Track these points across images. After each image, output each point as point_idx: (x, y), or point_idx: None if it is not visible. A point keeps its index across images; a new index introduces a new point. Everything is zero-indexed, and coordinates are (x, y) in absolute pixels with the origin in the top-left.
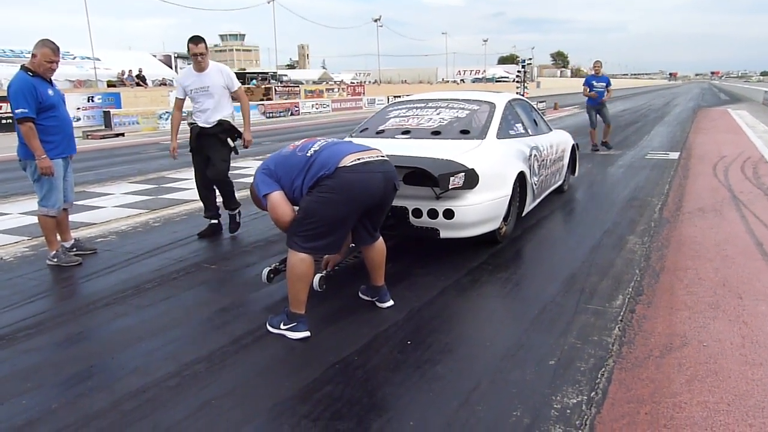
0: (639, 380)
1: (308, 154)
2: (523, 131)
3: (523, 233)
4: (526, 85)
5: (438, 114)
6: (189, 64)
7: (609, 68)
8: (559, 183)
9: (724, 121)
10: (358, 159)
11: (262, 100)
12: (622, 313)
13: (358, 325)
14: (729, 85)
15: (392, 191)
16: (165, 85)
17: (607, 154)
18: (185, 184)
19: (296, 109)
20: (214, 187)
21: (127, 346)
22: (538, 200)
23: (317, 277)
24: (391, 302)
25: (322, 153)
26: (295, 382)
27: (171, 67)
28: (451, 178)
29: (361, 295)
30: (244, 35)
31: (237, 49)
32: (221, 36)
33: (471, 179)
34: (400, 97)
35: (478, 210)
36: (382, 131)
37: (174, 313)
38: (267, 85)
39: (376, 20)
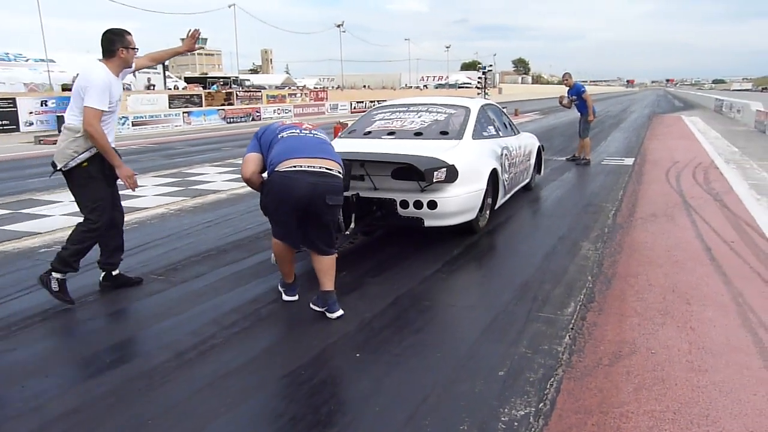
0: (587, 390)
1: (278, 137)
2: (494, 133)
3: (479, 240)
4: (487, 91)
5: (419, 117)
6: (150, 68)
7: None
8: (527, 181)
9: (677, 127)
10: (295, 166)
11: (223, 105)
12: (573, 321)
13: (310, 337)
14: (683, 92)
15: (322, 203)
16: (124, 89)
17: (563, 161)
18: (139, 192)
19: (257, 114)
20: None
21: (47, 369)
22: (509, 195)
23: None
24: (340, 312)
25: (280, 144)
26: (240, 398)
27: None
28: (435, 173)
29: (312, 305)
30: (206, 39)
31: (199, 54)
32: (182, 39)
33: (452, 174)
34: (362, 103)
35: (458, 201)
36: (369, 132)
37: (118, 328)
38: (228, 90)
39: (338, 26)
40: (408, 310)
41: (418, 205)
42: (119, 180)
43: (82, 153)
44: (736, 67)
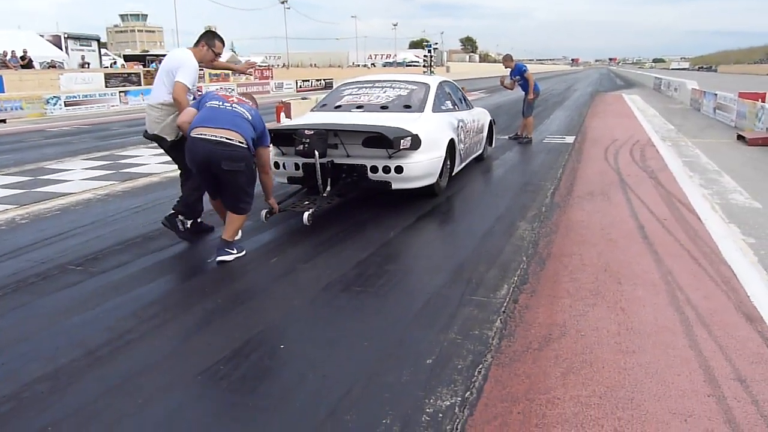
0: (515, 376)
1: (205, 105)
2: (451, 107)
3: (415, 222)
4: (433, 69)
5: (384, 92)
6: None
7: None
8: (480, 152)
9: (618, 105)
10: (201, 133)
11: None
12: (505, 304)
13: (232, 328)
14: (625, 71)
15: (218, 167)
16: (54, 67)
17: (506, 139)
18: (66, 176)
19: (199, 93)
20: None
21: None
22: (465, 163)
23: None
24: (222, 258)
25: (201, 112)
26: (152, 397)
27: (61, 49)
28: (402, 141)
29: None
30: (146, 15)
31: (139, 30)
32: (122, 16)
33: (416, 142)
34: (308, 81)
35: (421, 166)
36: (340, 106)
37: (25, 325)
38: None
39: (283, 2)
40: (338, 297)
41: (386, 170)
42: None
43: None
44: (675, 46)
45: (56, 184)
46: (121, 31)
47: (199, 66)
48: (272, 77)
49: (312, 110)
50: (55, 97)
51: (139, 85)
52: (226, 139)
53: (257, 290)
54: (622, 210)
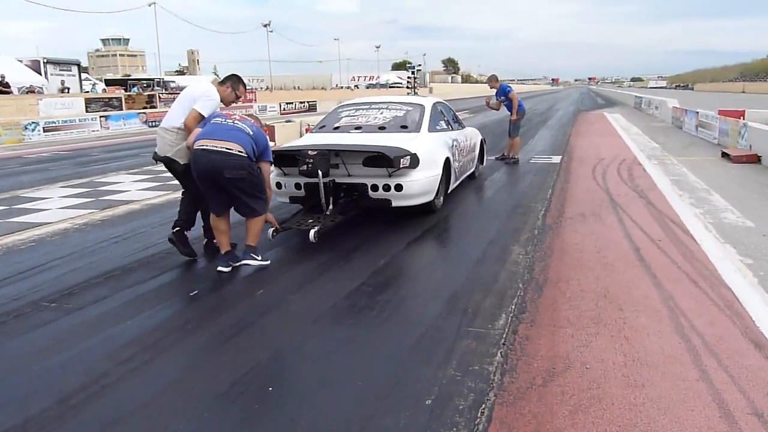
0: (521, 416)
1: (209, 121)
2: (446, 127)
3: (405, 248)
4: (416, 90)
5: (381, 113)
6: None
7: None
8: (472, 170)
9: (601, 124)
10: (203, 145)
11: (145, 107)
12: (504, 335)
13: (217, 370)
14: (604, 90)
15: (221, 176)
16: (33, 92)
17: (493, 160)
18: (42, 204)
19: None
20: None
21: None
22: (459, 181)
23: (311, 232)
24: (249, 261)
25: (205, 128)
26: None
27: (40, 74)
28: (401, 159)
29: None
30: (128, 39)
31: (121, 54)
32: (103, 40)
33: (414, 161)
34: (292, 104)
35: (420, 184)
36: (338, 127)
37: None
38: (150, 92)
39: (265, 25)
40: (329, 331)
41: (386, 188)
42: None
43: None
44: (652, 66)
45: (32, 214)
46: (103, 56)
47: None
48: (255, 100)
49: (312, 131)
50: (33, 122)
51: (121, 109)
52: (226, 149)
53: (243, 325)
54: (615, 231)
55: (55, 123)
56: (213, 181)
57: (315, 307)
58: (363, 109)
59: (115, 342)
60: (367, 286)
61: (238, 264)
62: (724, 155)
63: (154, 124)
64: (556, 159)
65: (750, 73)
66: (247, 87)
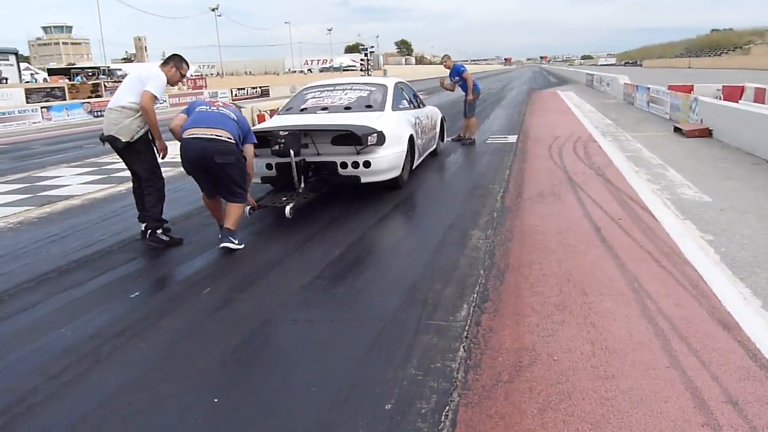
0: (487, 417)
1: (194, 110)
2: (408, 106)
3: (361, 237)
4: (370, 72)
5: (346, 94)
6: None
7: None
8: (434, 147)
9: (554, 102)
10: (193, 134)
11: (90, 97)
12: (467, 328)
13: (158, 379)
14: (556, 68)
15: (211, 161)
16: None
17: (449, 141)
18: None
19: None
20: None
21: None
22: (422, 158)
23: (287, 208)
24: (229, 245)
25: (191, 117)
26: None
27: None
28: (369, 137)
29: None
30: (71, 27)
31: (64, 42)
32: (44, 28)
33: (381, 138)
34: (244, 89)
35: (387, 160)
36: (305, 108)
37: None
38: (95, 81)
39: (213, 9)
40: (280, 332)
41: (355, 165)
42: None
43: (144, 127)
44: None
45: None
46: (45, 44)
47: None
48: (206, 86)
49: (278, 113)
50: None
51: (64, 99)
52: (215, 135)
53: (185, 330)
54: (575, 211)
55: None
56: (202, 168)
57: (263, 305)
58: (328, 91)
59: (46, 353)
60: (321, 279)
61: (221, 245)
62: (677, 130)
63: (99, 114)
64: (512, 138)
65: (695, 48)
66: (198, 74)
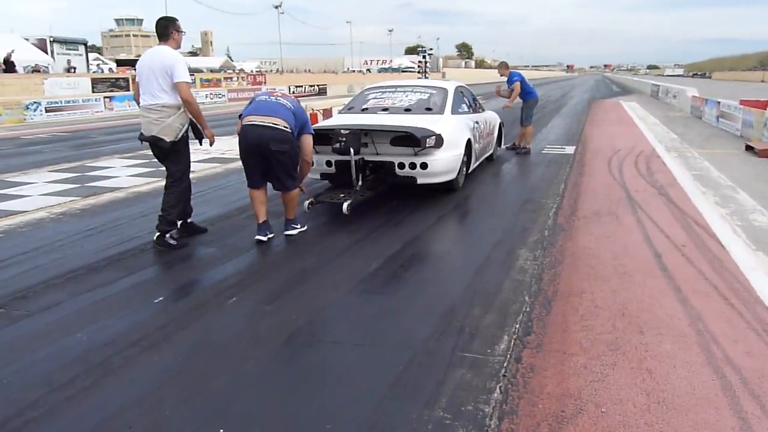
0: None
1: (255, 99)
2: (467, 110)
3: (401, 249)
4: (427, 75)
5: (407, 96)
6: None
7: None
8: (490, 152)
9: (616, 113)
10: (252, 121)
11: None
12: (506, 364)
13: (170, 402)
14: (620, 77)
15: (267, 148)
16: (38, 72)
17: (503, 150)
18: (24, 190)
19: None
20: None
21: None
22: (479, 162)
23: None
24: (292, 232)
25: (251, 105)
26: None
27: (47, 53)
28: (427, 139)
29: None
30: (141, 20)
31: (134, 35)
32: (117, 20)
33: (439, 141)
34: (302, 87)
35: (444, 163)
36: (366, 108)
37: None
38: None
39: (276, 7)
40: (301, 355)
41: (412, 166)
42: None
43: (186, 124)
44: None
45: (11, 200)
46: (116, 36)
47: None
48: (265, 83)
49: (340, 112)
50: (35, 102)
51: (127, 90)
52: (273, 123)
53: (203, 344)
54: (633, 234)
55: (57, 103)
56: (259, 154)
57: (290, 321)
58: (389, 92)
59: (57, 360)
60: (352, 295)
61: (284, 233)
62: (749, 148)
63: None
64: (570, 150)
65: None
66: (258, 70)
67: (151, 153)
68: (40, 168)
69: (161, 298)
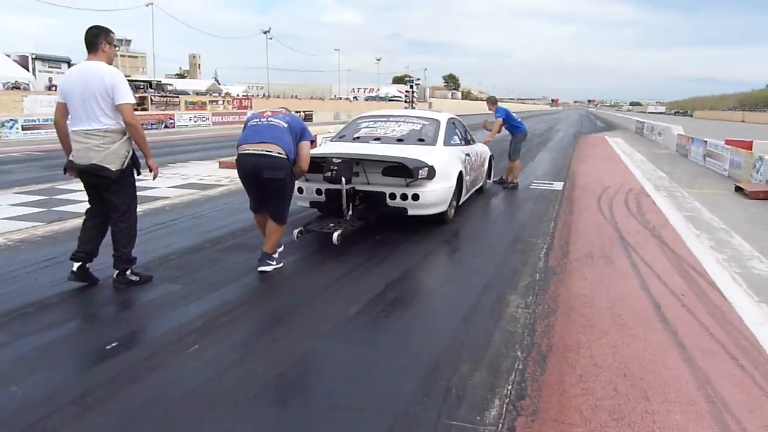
0: None
1: (248, 125)
2: (459, 141)
3: (383, 292)
4: (414, 105)
5: (399, 126)
6: (53, 67)
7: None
8: (480, 184)
9: (602, 148)
10: (246, 150)
11: (136, 109)
12: None
13: None
14: (604, 112)
15: (261, 176)
16: (18, 89)
17: (490, 183)
18: None
19: (171, 121)
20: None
21: None
22: (469, 194)
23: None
24: (265, 268)
25: (245, 132)
26: None
27: (28, 69)
28: (420, 171)
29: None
30: (129, 41)
31: (122, 55)
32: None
33: (432, 173)
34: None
35: (435, 195)
36: (358, 137)
37: None
38: (142, 94)
39: (265, 32)
40: (265, 412)
41: (404, 197)
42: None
43: (131, 151)
44: (650, 90)
45: None
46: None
47: None
48: (251, 107)
49: (331, 140)
50: (11, 120)
51: None
52: (266, 151)
53: (162, 403)
54: (629, 280)
55: (34, 121)
56: (255, 181)
57: (255, 375)
58: (381, 122)
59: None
60: (328, 341)
61: (258, 269)
62: (738, 189)
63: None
64: (558, 185)
65: (749, 102)
66: (247, 94)
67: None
68: (7, 189)
69: (114, 344)
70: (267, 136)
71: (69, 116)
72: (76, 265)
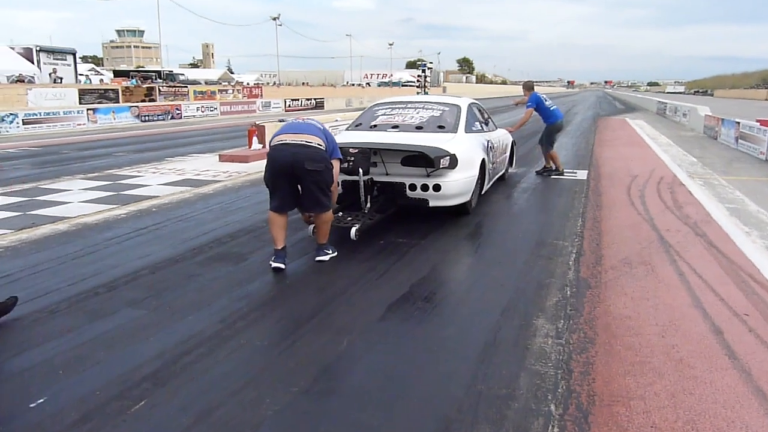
0: None
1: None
2: (480, 128)
3: (384, 315)
4: (426, 89)
5: (418, 113)
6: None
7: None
8: (503, 171)
9: (625, 132)
10: (282, 140)
11: (143, 100)
12: None
13: None
14: (621, 93)
15: (301, 168)
16: (22, 81)
17: (513, 173)
18: None
19: (178, 112)
20: None
21: None
22: (491, 182)
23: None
24: (323, 258)
25: (280, 128)
26: None
27: (32, 62)
28: (441, 160)
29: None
30: (143, 31)
31: (135, 46)
32: (118, 31)
33: (453, 161)
34: (298, 101)
35: (458, 185)
36: (375, 126)
37: None
38: (150, 85)
39: (275, 18)
40: None
41: (424, 187)
42: None
43: None
44: (669, 70)
45: None
46: (118, 47)
47: None
48: (261, 96)
49: (348, 128)
50: (11, 114)
51: (117, 102)
52: (306, 141)
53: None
54: (678, 293)
55: (36, 115)
56: (291, 175)
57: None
58: (399, 108)
59: None
60: (311, 399)
61: (316, 259)
62: None
63: (147, 118)
64: (582, 175)
65: None
66: (258, 83)
67: (117, 174)
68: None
69: (41, 400)
70: (305, 129)
71: None
72: None
